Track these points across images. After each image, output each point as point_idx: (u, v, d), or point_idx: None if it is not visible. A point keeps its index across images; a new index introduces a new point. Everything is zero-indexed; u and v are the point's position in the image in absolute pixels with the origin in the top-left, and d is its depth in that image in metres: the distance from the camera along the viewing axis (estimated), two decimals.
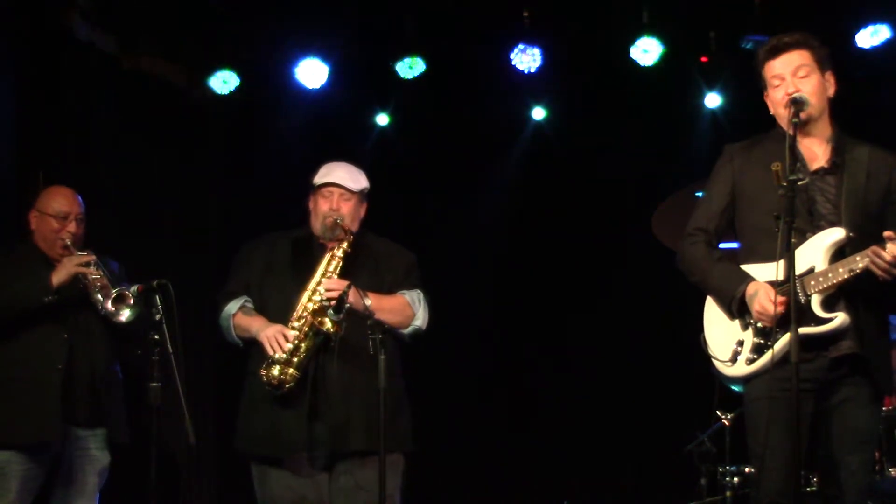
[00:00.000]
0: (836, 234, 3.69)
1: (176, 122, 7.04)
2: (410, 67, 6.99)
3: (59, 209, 4.83)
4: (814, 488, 4.85)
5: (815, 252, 3.69)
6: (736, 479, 5.46)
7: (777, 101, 3.81)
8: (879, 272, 3.54)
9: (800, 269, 3.60)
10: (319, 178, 4.63)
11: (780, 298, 3.60)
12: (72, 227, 4.82)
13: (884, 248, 3.52)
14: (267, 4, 6.95)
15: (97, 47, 6.65)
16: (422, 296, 4.61)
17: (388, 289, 4.57)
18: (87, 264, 4.68)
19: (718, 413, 5.51)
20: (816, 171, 3.77)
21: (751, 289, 3.74)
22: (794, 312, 3.47)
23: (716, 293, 3.88)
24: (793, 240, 3.49)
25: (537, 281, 7.41)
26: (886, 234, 3.52)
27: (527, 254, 7.43)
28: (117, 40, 6.82)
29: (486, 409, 7.13)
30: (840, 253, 3.68)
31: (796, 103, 3.67)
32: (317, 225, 4.61)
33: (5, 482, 4.63)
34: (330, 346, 4.37)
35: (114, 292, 4.64)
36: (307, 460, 4.44)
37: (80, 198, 4.91)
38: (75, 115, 6.54)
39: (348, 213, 4.57)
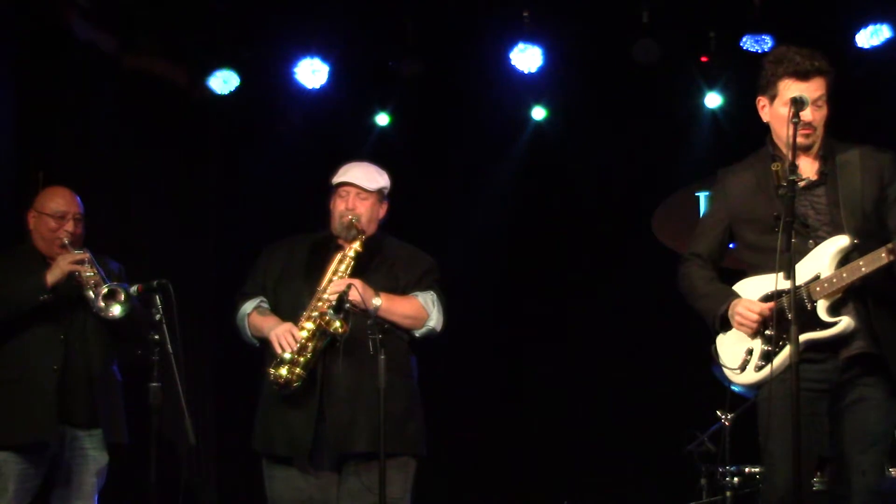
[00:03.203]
0: (841, 241, 3.73)
1: (176, 121, 7.04)
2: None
3: (56, 209, 4.83)
4: (820, 487, 4.85)
5: (820, 260, 3.73)
6: (736, 479, 5.45)
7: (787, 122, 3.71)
8: None
9: (805, 277, 3.66)
10: (337, 178, 4.65)
11: (764, 306, 3.72)
12: (69, 226, 4.82)
13: None
14: (267, 4, 6.95)
15: (97, 47, 6.65)
16: (436, 297, 4.61)
17: (402, 290, 4.58)
18: (81, 262, 4.69)
19: (718, 413, 5.50)
20: (806, 187, 3.78)
21: (733, 303, 3.84)
22: (795, 311, 3.50)
23: (702, 314, 3.97)
24: (793, 240, 3.51)
25: (537, 282, 7.41)
26: None
27: (527, 254, 7.43)
28: (117, 40, 6.82)
29: (485, 409, 7.12)
30: (846, 259, 3.71)
31: (797, 103, 3.67)
32: (335, 225, 4.62)
33: (2, 482, 4.64)
34: (336, 347, 4.38)
35: (104, 288, 4.64)
36: (315, 461, 4.45)
37: (78, 198, 4.92)
38: (75, 115, 6.54)
39: (365, 212, 4.59)
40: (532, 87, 7.27)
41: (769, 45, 6.71)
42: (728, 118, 7.07)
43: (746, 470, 5.41)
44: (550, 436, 7.06)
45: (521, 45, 6.95)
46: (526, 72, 7.02)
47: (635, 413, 6.84)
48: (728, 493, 5.47)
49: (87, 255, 4.72)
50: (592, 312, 7.16)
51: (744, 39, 6.75)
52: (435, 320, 4.59)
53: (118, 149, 6.73)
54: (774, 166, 3.70)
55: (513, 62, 6.99)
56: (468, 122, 7.35)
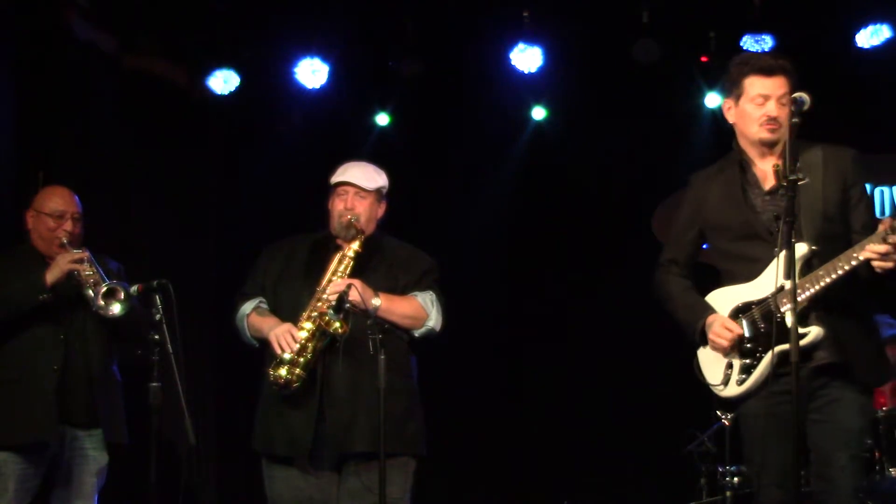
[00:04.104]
0: (800, 249, 3.74)
1: (176, 121, 7.04)
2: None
3: (55, 208, 4.82)
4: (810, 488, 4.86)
5: (782, 270, 3.74)
6: (736, 479, 5.46)
7: (754, 118, 3.87)
8: (879, 263, 3.60)
9: (771, 288, 3.74)
10: (335, 178, 4.64)
11: (738, 329, 3.83)
12: (68, 225, 4.81)
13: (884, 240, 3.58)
14: (267, 4, 6.95)
15: (97, 47, 6.65)
16: (435, 297, 4.60)
17: (401, 290, 4.58)
18: (80, 261, 4.68)
19: (718, 413, 5.51)
20: (770, 191, 3.88)
21: (709, 320, 3.93)
22: (794, 311, 3.51)
23: (681, 325, 4.07)
24: (793, 240, 3.53)
25: (536, 282, 7.41)
26: (882, 225, 3.62)
27: (526, 254, 7.43)
28: (117, 40, 6.82)
29: (485, 409, 7.13)
30: (808, 266, 3.75)
31: (797, 103, 3.68)
32: (334, 225, 4.62)
33: (2, 482, 4.64)
34: (336, 347, 4.38)
35: (103, 287, 4.63)
36: (315, 461, 4.45)
37: (76, 197, 4.91)
38: (75, 115, 6.54)
39: (363, 212, 4.57)
40: (532, 87, 7.27)
41: (769, 45, 6.72)
42: None
43: (746, 470, 5.41)
44: (550, 436, 7.06)
45: (521, 45, 6.96)
46: (526, 72, 7.03)
47: (635, 413, 6.84)
48: (728, 493, 5.48)
49: (86, 255, 4.71)
50: (592, 312, 7.16)
51: (744, 39, 6.76)
52: (434, 320, 4.59)
53: (118, 149, 6.73)
54: (774, 166, 3.74)
55: (513, 62, 7.00)
56: (468, 122, 7.35)
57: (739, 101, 3.91)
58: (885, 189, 7.37)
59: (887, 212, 7.17)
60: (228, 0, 6.88)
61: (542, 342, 7.32)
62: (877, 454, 5.07)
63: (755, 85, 3.86)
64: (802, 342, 3.69)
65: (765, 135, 3.84)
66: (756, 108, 3.86)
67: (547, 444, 7.06)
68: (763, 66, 3.87)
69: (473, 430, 7.00)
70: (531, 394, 7.27)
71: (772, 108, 3.83)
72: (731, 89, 3.95)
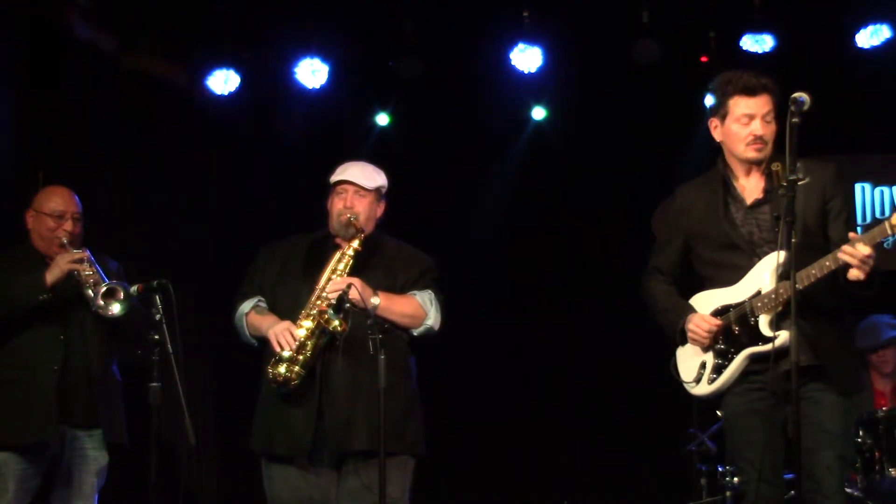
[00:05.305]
0: (780, 257, 3.79)
1: (176, 121, 7.04)
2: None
3: (54, 208, 4.82)
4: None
5: (760, 276, 3.90)
6: (736, 479, 5.46)
7: (740, 137, 3.97)
8: (856, 267, 3.66)
9: (748, 293, 3.90)
10: (334, 177, 4.65)
11: (714, 321, 3.96)
12: (68, 225, 4.81)
13: (853, 247, 3.66)
14: (267, 4, 6.95)
15: (97, 47, 6.66)
16: (433, 296, 4.61)
17: (400, 289, 4.58)
18: (80, 261, 4.68)
19: (718, 413, 5.50)
20: (752, 205, 3.99)
21: (688, 318, 4.07)
22: (794, 307, 3.57)
23: (663, 326, 4.22)
24: (793, 240, 3.58)
25: (537, 282, 7.41)
26: (851, 235, 3.73)
27: (526, 254, 7.43)
28: (117, 40, 6.82)
29: (485, 409, 7.12)
30: (786, 274, 3.79)
31: (797, 103, 3.69)
32: (333, 223, 4.62)
33: (2, 482, 4.64)
34: (335, 345, 4.38)
35: (103, 286, 4.63)
36: (315, 460, 4.45)
37: (76, 197, 4.90)
38: (75, 115, 6.54)
39: (363, 210, 4.58)
40: (532, 87, 7.27)
41: (769, 45, 6.72)
42: None
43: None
44: (550, 436, 7.06)
45: (521, 45, 6.96)
46: (526, 72, 7.03)
47: (635, 413, 6.84)
48: (728, 493, 5.48)
49: (85, 254, 4.71)
50: (592, 312, 7.16)
51: (744, 39, 6.76)
52: (433, 319, 4.59)
53: (118, 149, 6.73)
54: (774, 166, 3.80)
55: (513, 62, 7.00)
56: (468, 122, 7.35)
57: (725, 121, 4.02)
58: (885, 189, 7.37)
59: (887, 212, 7.17)
60: (228, 0, 6.88)
61: (541, 342, 7.31)
62: (877, 454, 5.07)
63: (739, 105, 3.97)
64: (770, 346, 3.78)
65: (752, 154, 3.96)
66: (742, 127, 3.97)
67: (547, 444, 7.06)
68: (746, 85, 3.98)
69: (473, 430, 7.00)
70: (531, 394, 7.26)
71: (757, 127, 3.94)
72: (717, 109, 4.05)
